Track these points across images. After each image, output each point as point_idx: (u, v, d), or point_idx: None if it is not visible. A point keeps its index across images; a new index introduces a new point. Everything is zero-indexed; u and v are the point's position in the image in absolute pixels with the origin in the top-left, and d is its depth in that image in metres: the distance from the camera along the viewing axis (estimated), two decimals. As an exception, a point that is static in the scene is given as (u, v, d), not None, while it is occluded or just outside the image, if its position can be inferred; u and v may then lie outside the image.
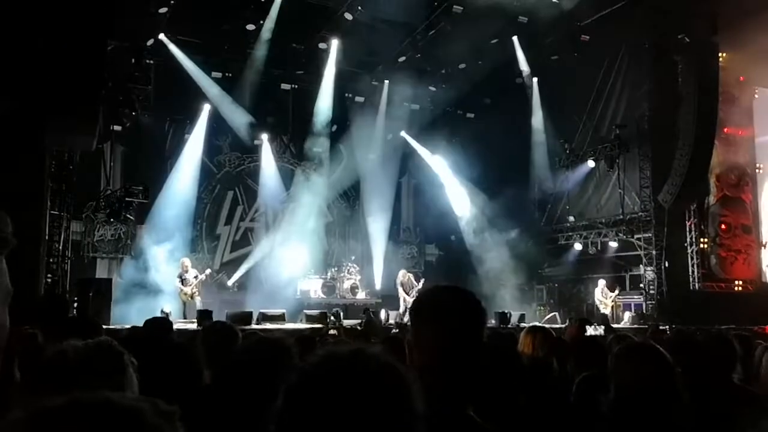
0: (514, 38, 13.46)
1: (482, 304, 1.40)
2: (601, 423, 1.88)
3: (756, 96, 14.54)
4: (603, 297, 12.36)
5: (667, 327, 8.59)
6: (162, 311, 9.67)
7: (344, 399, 0.73)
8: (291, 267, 13.58)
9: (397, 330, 6.92)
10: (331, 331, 7.11)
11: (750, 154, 14.44)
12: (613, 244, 13.52)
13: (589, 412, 2.11)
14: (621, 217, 13.31)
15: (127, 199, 10.42)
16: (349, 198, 15.49)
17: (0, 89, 7.34)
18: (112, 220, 11.28)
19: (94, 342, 1.39)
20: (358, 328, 8.62)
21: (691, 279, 13.10)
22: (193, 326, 8.56)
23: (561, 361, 2.95)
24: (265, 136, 13.92)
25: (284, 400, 0.76)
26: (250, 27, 12.34)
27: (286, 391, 0.77)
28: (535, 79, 14.55)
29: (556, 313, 12.82)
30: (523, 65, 14.17)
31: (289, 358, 1.80)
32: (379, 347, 0.83)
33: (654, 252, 12.78)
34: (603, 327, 8.42)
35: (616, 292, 12.51)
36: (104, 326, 8.45)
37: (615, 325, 10.22)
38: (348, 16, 12.40)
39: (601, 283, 12.53)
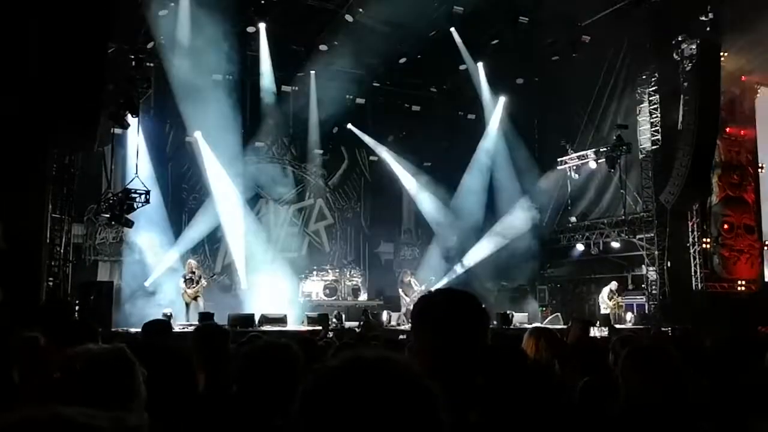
0: (515, 39, 13.45)
1: (484, 306, 1.38)
2: (610, 427, 1.86)
3: (758, 95, 14.50)
4: (608, 298, 12.30)
5: (669, 328, 8.53)
6: (164, 314, 9.66)
7: (368, 407, 0.69)
8: (292, 269, 13.57)
9: (404, 336, 6.90)
10: (329, 334, 7.08)
11: (752, 153, 14.39)
12: (615, 245, 13.48)
13: (592, 418, 2.08)
14: (623, 217, 13.27)
15: (128, 201, 10.41)
16: (350, 199, 15.48)
17: (1, 92, 7.34)
18: (113, 222, 11.28)
19: (107, 348, 1.38)
20: (356, 330, 8.59)
21: (693, 279, 13.04)
22: (195, 329, 8.54)
23: (563, 363, 2.93)
24: (265, 138, 13.92)
25: (302, 405, 0.72)
26: (251, 29, 12.34)
27: (305, 395, 0.73)
28: (536, 80, 14.53)
29: (559, 314, 12.78)
30: (524, 66, 14.16)
31: (296, 363, 1.78)
32: (403, 354, 0.80)
33: (656, 252, 12.73)
34: (607, 328, 8.38)
35: (620, 298, 12.44)
36: (107, 329, 8.46)
37: (617, 326, 10.17)
38: (348, 17, 12.41)
39: (613, 284, 12.42)
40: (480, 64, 14.35)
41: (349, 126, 14.77)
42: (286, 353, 1.85)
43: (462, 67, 14.09)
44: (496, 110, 14.92)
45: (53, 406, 0.62)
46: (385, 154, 15.12)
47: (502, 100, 14.82)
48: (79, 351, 1.33)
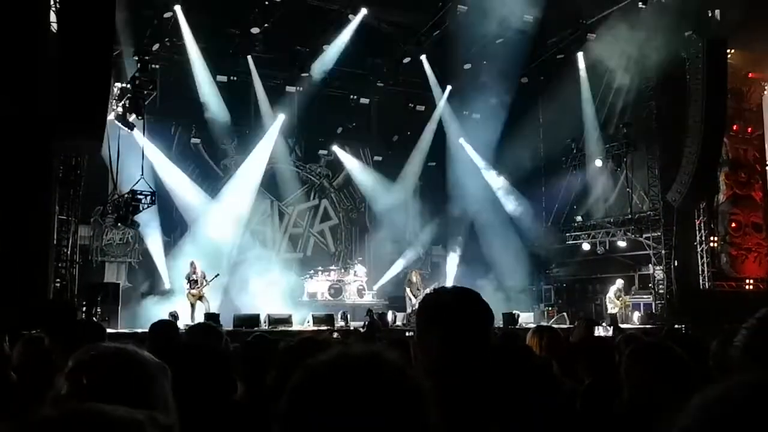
0: (519, 38, 13.40)
1: (488, 305, 1.37)
2: (614, 425, 1.84)
3: (765, 92, 14.38)
4: (615, 297, 12.24)
5: (683, 326, 8.46)
6: (170, 314, 9.69)
7: (355, 404, 0.68)
8: (297, 269, 13.59)
9: (411, 334, 6.88)
10: (335, 334, 7.08)
11: (760, 151, 14.28)
12: (622, 244, 13.41)
13: (596, 420, 2.06)
14: (629, 216, 13.21)
15: (134, 203, 10.46)
16: (355, 199, 15.49)
17: (7, 94, 7.39)
18: (119, 224, 11.34)
19: (134, 349, 1.39)
20: (360, 330, 8.59)
21: (701, 278, 12.96)
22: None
23: (568, 362, 2.91)
24: (269, 139, 13.94)
25: (289, 400, 0.72)
26: (255, 30, 12.38)
27: (292, 390, 0.72)
28: (541, 79, 14.48)
29: (565, 314, 12.73)
30: (529, 64, 14.10)
31: None
32: (395, 352, 0.78)
33: (663, 251, 12.65)
34: (612, 327, 8.33)
35: (628, 297, 12.38)
36: (113, 330, 8.51)
37: (624, 326, 10.12)
38: (352, 17, 12.42)
39: (619, 282, 12.37)
40: (484, 63, 14.30)
41: (354, 126, 14.77)
42: (325, 348, 1.84)
43: (466, 67, 14.05)
44: (500, 109, 14.86)
45: (91, 402, 0.64)
46: (388, 153, 15.11)
47: (507, 99, 14.77)
48: (106, 351, 1.34)
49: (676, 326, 8.17)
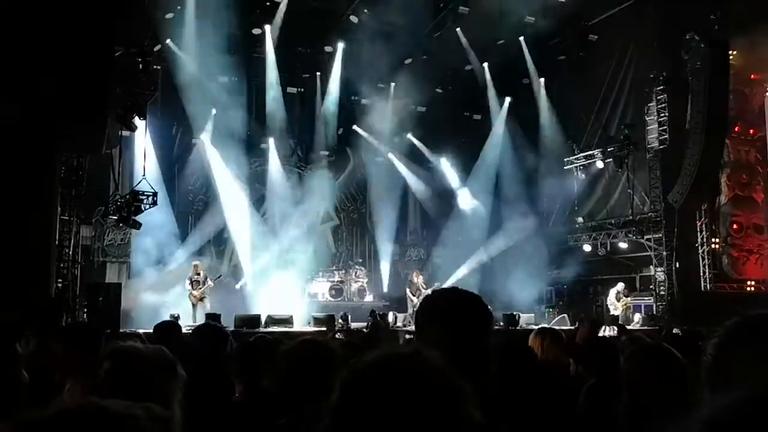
0: (521, 38, 13.41)
1: (489, 306, 1.37)
2: (615, 425, 1.84)
3: (767, 94, 14.36)
4: (616, 299, 12.22)
5: (678, 330, 8.42)
6: (171, 315, 9.69)
7: (403, 399, 0.72)
8: (298, 270, 13.60)
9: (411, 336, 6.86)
10: (338, 335, 7.07)
11: (761, 152, 14.25)
12: (623, 245, 13.39)
13: (598, 420, 2.06)
14: (630, 217, 13.19)
15: (135, 203, 10.49)
16: (356, 200, 15.50)
17: (8, 96, 7.40)
18: (121, 224, 11.35)
19: (151, 348, 1.43)
20: (364, 330, 8.58)
21: (702, 280, 12.94)
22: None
23: (571, 363, 2.90)
24: (271, 140, 13.96)
25: (341, 396, 0.76)
26: (256, 31, 12.40)
27: (343, 387, 0.77)
28: (542, 80, 14.49)
29: (566, 315, 12.71)
30: (530, 66, 14.11)
31: (336, 362, 1.76)
32: (436, 351, 0.82)
33: (664, 252, 12.63)
34: (617, 328, 8.30)
35: (629, 298, 12.36)
36: (115, 330, 8.50)
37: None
38: (354, 18, 12.44)
39: (620, 285, 12.36)
40: (485, 65, 14.33)
41: (355, 127, 14.79)
42: (328, 352, 1.84)
43: (468, 68, 14.08)
44: (501, 110, 14.89)
45: (90, 398, 0.67)
46: (390, 154, 15.13)
47: (508, 100, 14.80)
48: (125, 348, 1.39)
49: (674, 330, 8.12)
